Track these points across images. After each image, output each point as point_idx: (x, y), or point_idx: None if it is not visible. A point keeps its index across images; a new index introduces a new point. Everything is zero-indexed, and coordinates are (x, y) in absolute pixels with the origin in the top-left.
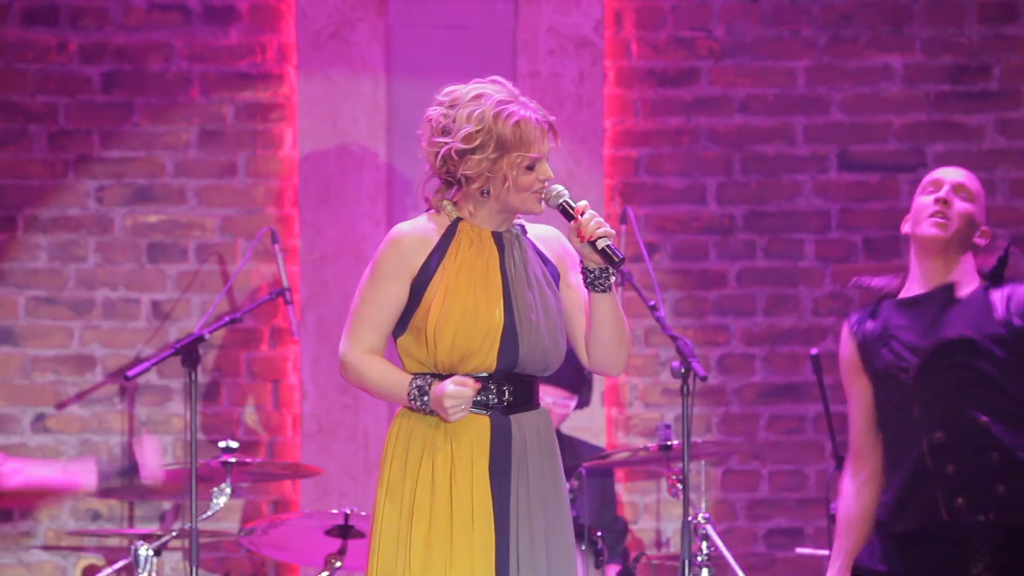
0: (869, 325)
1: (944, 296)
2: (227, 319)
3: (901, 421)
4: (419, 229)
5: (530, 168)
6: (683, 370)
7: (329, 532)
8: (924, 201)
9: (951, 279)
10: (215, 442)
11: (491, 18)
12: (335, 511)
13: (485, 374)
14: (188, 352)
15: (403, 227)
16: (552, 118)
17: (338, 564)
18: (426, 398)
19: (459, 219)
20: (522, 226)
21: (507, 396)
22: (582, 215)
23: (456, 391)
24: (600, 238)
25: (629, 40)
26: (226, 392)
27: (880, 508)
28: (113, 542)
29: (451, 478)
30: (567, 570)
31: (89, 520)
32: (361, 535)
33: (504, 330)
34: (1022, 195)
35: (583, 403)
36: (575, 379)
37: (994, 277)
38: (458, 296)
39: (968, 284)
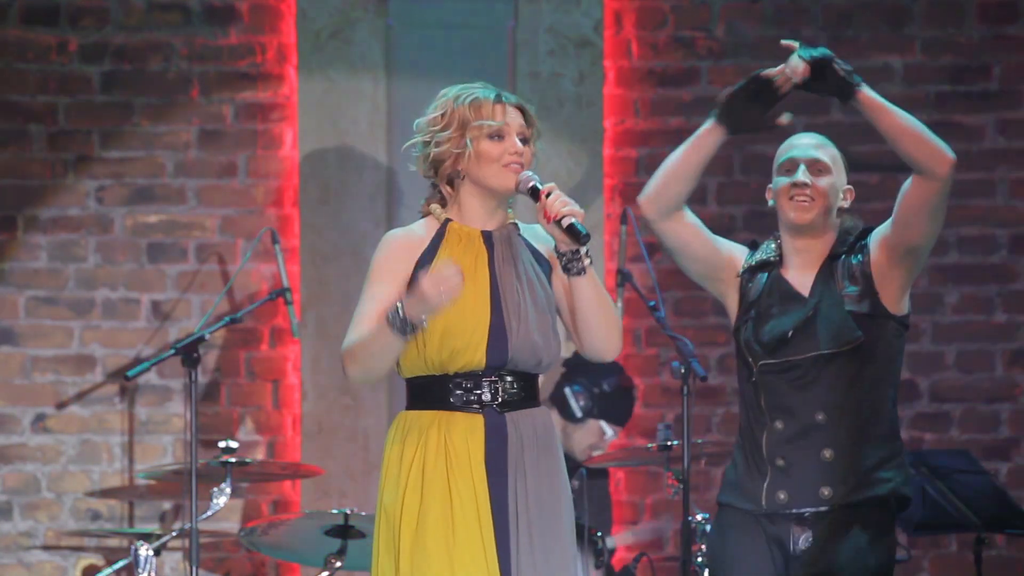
0: (755, 276)
1: (814, 305)
2: (227, 319)
3: (749, 401)
4: (411, 233)
5: (497, 139)
6: (683, 370)
7: (329, 532)
8: (783, 182)
9: (822, 252)
10: (215, 442)
11: (491, 18)
12: (335, 511)
13: (476, 371)
14: (188, 352)
15: (395, 231)
16: (516, 98)
17: (338, 564)
18: (401, 313)
19: (448, 220)
20: (515, 224)
21: (501, 394)
22: (548, 196)
23: (434, 276)
24: (564, 216)
25: (629, 40)
26: (226, 392)
27: (724, 483)
28: (113, 542)
29: (448, 478)
30: (564, 572)
31: (89, 520)
32: (361, 535)
33: (492, 326)
34: (1022, 195)
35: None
36: (630, 411)
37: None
38: None
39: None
